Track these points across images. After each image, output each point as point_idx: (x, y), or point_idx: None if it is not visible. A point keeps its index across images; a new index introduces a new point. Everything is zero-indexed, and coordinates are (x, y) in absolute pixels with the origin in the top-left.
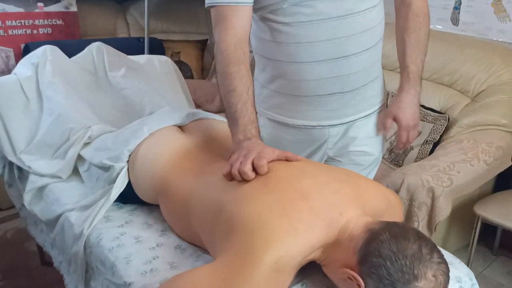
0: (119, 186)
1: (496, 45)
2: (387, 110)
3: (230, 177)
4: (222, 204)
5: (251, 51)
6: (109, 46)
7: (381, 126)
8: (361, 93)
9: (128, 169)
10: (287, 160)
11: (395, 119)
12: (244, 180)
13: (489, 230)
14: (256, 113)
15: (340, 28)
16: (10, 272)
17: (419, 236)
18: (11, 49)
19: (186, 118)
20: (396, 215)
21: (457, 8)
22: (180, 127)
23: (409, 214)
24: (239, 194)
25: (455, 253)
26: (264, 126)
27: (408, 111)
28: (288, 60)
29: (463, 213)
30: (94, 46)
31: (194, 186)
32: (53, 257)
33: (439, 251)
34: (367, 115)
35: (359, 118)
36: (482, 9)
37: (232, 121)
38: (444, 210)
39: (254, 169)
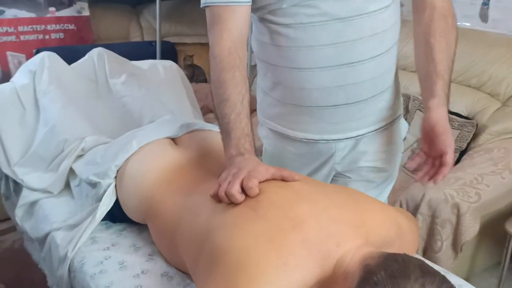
0: (106, 205)
1: None
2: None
3: (218, 198)
4: (208, 231)
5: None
6: (111, 52)
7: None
8: (370, 105)
9: (116, 186)
10: (283, 180)
11: (432, 129)
12: (232, 203)
13: None
14: (259, 124)
15: (345, 31)
16: (14, 284)
17: (424, 271)
18: (23, 55)
19: (180, 129)
20: (410, 243)
21: (486, 3)
22: (174, 140)
23: (431, 232)
24: (225, 220)
25: (485, 272)
26: (267, 137)
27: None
28: (287, 66)
29: (493, 228)
30: (95, 52)
31: (183, 208)
32: (47, 276)
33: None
34: (377, 130)
35: (367, 133)
36: None
37: (225, 134)
38: (471, 229)
39: (244, 190)
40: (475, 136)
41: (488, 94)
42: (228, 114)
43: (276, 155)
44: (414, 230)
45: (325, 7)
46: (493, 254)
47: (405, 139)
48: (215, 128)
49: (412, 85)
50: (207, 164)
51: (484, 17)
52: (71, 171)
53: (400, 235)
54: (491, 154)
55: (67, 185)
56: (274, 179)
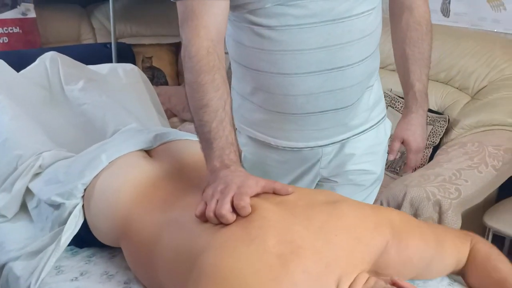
0: (72, 229)
1: (496, 37)
2: (394, 132)
3: (204, 218)
4: (196, 253)
5: (226, 53)
6: (65, 56)
7: (388, 149)
8: (356, 108)
9: (83, 206)
10: (274, 193)
11: (404, 142)
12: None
13: (496, 238)
14: (236, 131)
15: (334, 34)
16: None
17: None
18: None
19: (154, 140)
20: (402, 232)
21: None
22: (147, 152)
23: None
24: (215, 241)
25: None
26: (246, 144)
27: (417, 134)
28: (271, 71)
29: (470, 221)
30: (48, 57)
31: (162, 225)
32: None
33: None
34: (364, 131)
35: (353, 136)
36: None
37: (206, 144)
38: (453, 225)
39: (234, 208)
40: (447, 131)
41: (457, 88)
42: (209, 122)
43: (257, 163)
44: (403, 221)
45: (314, 7)
46: None
47: (390, 136)
48: (192, 137)
49: (381, 81)
50: (186, 177)
51: (445, 11)
52: (28, 191)
53: (394, 234)
54: (465, 148)
55: (23, 207)
56: (265, 192)
